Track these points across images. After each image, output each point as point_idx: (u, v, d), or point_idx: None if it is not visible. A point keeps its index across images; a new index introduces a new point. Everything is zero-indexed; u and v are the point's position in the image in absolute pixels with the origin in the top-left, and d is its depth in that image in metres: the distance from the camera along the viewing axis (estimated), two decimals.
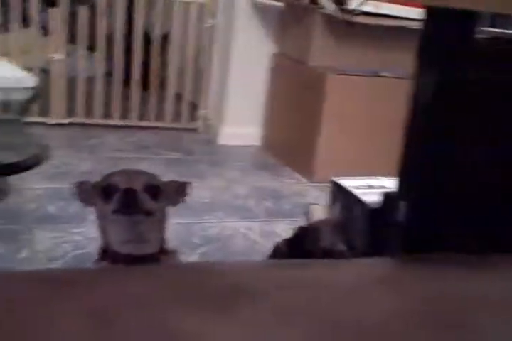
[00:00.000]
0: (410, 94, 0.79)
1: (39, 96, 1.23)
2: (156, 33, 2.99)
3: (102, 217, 0.87)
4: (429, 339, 0.56)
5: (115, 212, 0.83)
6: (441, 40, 0.77)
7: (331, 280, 0.67)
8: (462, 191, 0.80)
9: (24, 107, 1.36)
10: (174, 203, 0.90)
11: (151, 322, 0.53)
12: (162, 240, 0.90)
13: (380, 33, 2.51)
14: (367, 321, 0.58)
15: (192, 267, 0.81)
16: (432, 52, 0.78)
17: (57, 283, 0.60)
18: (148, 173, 0.89)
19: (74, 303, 0.55)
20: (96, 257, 0.90)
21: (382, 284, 0.67)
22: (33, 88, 1.20)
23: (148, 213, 0.84)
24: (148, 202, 0.84)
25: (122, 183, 0.84)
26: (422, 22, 0.79)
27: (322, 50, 2.54)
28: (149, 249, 0.87)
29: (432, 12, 0.78)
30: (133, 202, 0.82)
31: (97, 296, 0.57)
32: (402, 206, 0.80)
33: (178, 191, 0.90)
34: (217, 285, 0.62)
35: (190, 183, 0.91)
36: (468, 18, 0.76)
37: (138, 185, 0.84)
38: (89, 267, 1.40)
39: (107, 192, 0.84)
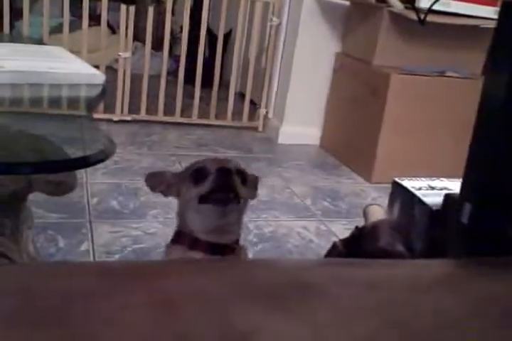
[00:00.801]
0: (481, 94, 0.78)
1: (106, 94, 1.26)
2: (220, 31, 3.02)
3: (188, 204, 0.85)
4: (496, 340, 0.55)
5: (209, 193, 0.81)
6: None
7: (390, 280, 0.67)
8: None
9: (93, 104, 1.40)
10: (252, 196, 0.89)
11: (212, 317, 0.53)
12: (240, 230, 0.89)
13: (448, 31, 2.45)
14: (425, 320, 0.57)
15: (253, 263, 0.81)
16: (505, 50, 0.76)
17: (118, 275, 0.60)
18: (236, 161, 0.88)
19: (134, 296, 0.55)
20: (169, 240, 0.89)
21: (443, 285, 0.66)
22: (101, 85, 1.24)
23: (238, 197, 0.82)
24: (240, 186, 0.82)
25: (214, 166, 0.83)
26: (493, 20, 0.78)
27: (388, 49, 2.50)
28: (230, 238, 0.86)
29: (506, 9, 0.76)
30: (227, 182, 0.81)
31: (157, 290, 0.57)
32: (467, 207, 0.78)
33: (254, 184, 0.89)
34: (278, 282, 0.62)
35: (259, 177, 0.90)
36: None
37: (231, 168, 0.83)
38: (149, 260, 1.43)
39: (197, 177, 0.83)
